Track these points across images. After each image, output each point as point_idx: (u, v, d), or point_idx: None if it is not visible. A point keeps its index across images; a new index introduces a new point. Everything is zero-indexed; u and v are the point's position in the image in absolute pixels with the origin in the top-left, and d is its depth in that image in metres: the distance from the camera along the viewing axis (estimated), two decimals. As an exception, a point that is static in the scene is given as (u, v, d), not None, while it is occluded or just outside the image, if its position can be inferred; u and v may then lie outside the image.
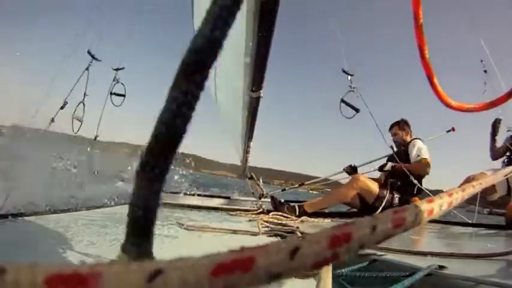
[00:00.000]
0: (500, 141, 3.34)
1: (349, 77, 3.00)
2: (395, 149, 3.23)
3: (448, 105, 1.07)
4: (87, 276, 0.11)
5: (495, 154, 3.34)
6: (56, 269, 0.11)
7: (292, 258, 0.16)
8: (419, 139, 3.20)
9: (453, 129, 3.72)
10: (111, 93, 2.46)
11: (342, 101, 3.06)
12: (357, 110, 3.03)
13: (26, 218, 1.38)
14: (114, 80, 2.46)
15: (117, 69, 2.51)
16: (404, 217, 0.23)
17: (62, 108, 2.17)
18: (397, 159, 3.06)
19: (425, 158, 2.97)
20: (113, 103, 2.48)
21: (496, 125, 3.30)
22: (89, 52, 2.29)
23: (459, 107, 1.05)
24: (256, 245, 0.16)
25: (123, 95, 2.51)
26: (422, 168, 2.97)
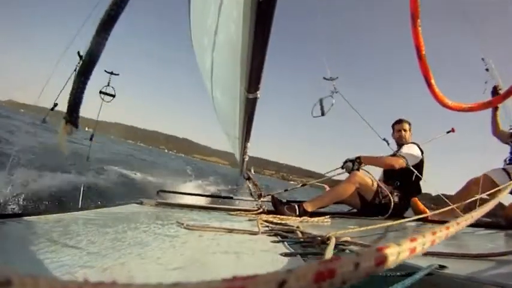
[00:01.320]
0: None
1: (333, 82, 2.97)
2: (389, 142, 3.19)
3: (444, 105, 1.07)
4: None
5: (497, 129, 3.07)
6: (60, 284, 0.11)
7: None
8: (417, 145, 3.19)
9: (453, 130, 3.70)
10: (100, 92, 2.60)
11: (320, 100, 3.01)
12: (322, 114, 2.99)
13: (26, 218, 1.38)
14: (107, 85, 2.60)
15: (111, 73, 2.63)
16: (386, 255, 0.24)
17: (52, 109, 2.23)
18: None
19: (402, 157, 2.96)
20: (102, 99, 2.61)
21: (496, 92, 2.92)
22: (78, 53, 2.31)
23: (456, 107, 1.05)
24: (247, 275, 0.17)
25: (113, 95, 2.65)
26: (390, 161, 2.97)
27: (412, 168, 2.93)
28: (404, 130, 3.28)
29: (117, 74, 2.62)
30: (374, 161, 2.99)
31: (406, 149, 3.07)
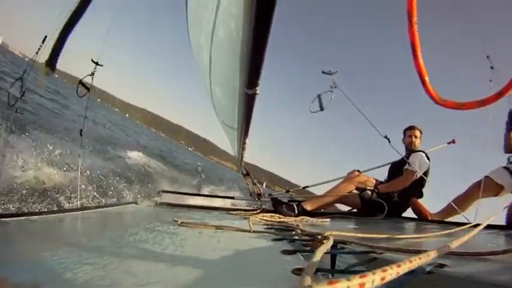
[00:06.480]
0: None
1: (332, 77, 3.03)
2: (390, 140, 3.23)
3: (437, 103, 1.06)
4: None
5: (509, 147, 3.02)
6: None
7: None
8: (425, 153, 3.21)
9: (454, 142, 3.72)
10: (79, 82, 2.45)
11: (318, 96, 3.09)
12: (321, 109, 3.05)
13: (25, 217, 1.38)
14: (92, 74, 2.45)
15: (96, 63, 2.51)
16: None
17: (21, 97, 2.18)
18: (400, 168, 3.10)
19: (413, 172, 3.00)
20: (77, 92, 2.46)
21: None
22: (44, 38, 2.26)
23: (449, 104, 1.04)
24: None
25: (88, 89, 2.50)
26: (403, 182, 3.03)
27: (423, 176, 2.99)
28: (415, 137, 3.33)
29: (101, 65, 2.52)
30: (390, 187, 3.07)
31: (415, 159, 3.10)
